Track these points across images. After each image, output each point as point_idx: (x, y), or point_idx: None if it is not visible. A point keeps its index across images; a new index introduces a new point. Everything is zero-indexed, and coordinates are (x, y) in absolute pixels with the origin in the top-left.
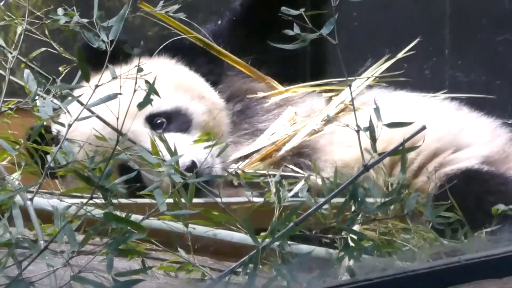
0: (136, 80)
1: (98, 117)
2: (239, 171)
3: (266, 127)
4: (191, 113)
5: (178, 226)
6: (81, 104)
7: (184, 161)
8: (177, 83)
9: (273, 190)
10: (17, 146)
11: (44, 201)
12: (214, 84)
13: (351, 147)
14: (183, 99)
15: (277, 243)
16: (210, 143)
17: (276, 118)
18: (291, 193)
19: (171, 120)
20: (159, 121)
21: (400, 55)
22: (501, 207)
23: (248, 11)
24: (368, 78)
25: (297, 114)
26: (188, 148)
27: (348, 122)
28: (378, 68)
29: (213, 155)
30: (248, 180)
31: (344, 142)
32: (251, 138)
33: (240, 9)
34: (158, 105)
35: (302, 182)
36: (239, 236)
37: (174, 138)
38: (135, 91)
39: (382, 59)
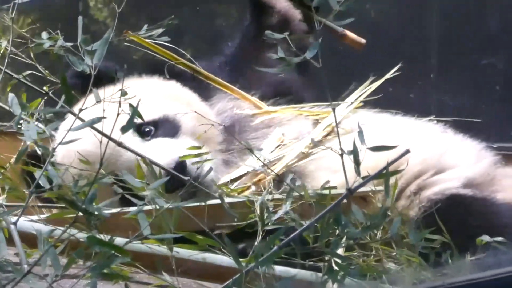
0: (120, 103)
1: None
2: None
3: (254, 145)
4: (179, 120)
5: (162, 250)
6: (81, 118)
7: (172, 158)
8: (164, 93)
9: (258, 211)
10: (2, 170)
11: (28, 225)
12: (203, 99)
13: (338, 173)
14: (170, 106)
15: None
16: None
17: (264, 137)
18: (276, 216)
19: (158, 127)
20: (147, 129)
21: (384, 78)
22: (486, 238)
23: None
24: (352, 102)
25: (285, 135)
26: (175, 149)
27: (335, 146)
28: (363, 91)
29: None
30: (233, 196)
31: (331, 168)
32: (240, 156)
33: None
34: (146, 114)
35: (288, 204)
36: (225, 260)
37: (161, 141)
38: (118, 114)
39: (367, 82)
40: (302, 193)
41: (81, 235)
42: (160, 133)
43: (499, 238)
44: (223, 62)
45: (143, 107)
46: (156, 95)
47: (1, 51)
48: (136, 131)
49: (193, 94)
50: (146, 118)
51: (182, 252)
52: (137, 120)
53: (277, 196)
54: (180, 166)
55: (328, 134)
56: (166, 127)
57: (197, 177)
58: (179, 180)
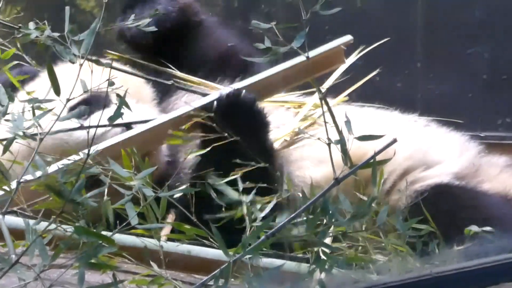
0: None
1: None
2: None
3: None
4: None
5: (150, 240)
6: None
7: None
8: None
9: (245, 210)
10: None
11: (15, 218)
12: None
13: (323, 163)
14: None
15: (248, 256)
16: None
17: None
18: (263, 214)
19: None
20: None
21: (361, 81)
22: (474, 228)
23: None
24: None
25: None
26: None
27: (318, 136)
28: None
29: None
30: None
31: (316, 157)
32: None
33: None
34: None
35: (274, 201)
36: (212, 252)
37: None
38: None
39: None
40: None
41: (67, 226)
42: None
43: (487, 228)
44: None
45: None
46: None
47: None
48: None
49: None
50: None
51: (169, 244)
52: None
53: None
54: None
55: (311, 124)
56: (99, 103)
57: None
58: None
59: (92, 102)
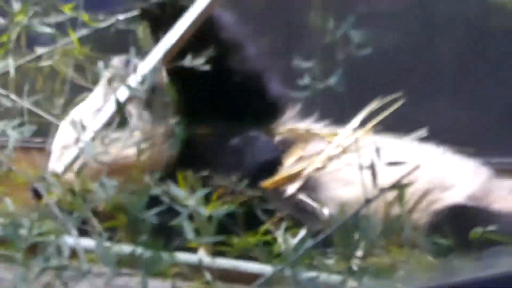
0: None
1: None
2: None
3: None
4: None
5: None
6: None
7: None
8: None
9: (280, 240)
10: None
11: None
12: None
13: (351, 185)
14: None
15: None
16: None
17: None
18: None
19: None
20: None
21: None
22: (478, 230)
23: None
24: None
25: (304, 151)
26: None
27: (347, 161)
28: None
29: None
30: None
31: (345, 180)
32: None
33: None
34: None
35: (304, 231)
36: (256, 267)
37: None
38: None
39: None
40: None
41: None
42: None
43: (491, 228)
44: None
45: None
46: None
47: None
48: None
49: None
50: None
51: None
52: None
53: None
54: None
55: (342, 152)
56: None
57: None
58: None
59: None
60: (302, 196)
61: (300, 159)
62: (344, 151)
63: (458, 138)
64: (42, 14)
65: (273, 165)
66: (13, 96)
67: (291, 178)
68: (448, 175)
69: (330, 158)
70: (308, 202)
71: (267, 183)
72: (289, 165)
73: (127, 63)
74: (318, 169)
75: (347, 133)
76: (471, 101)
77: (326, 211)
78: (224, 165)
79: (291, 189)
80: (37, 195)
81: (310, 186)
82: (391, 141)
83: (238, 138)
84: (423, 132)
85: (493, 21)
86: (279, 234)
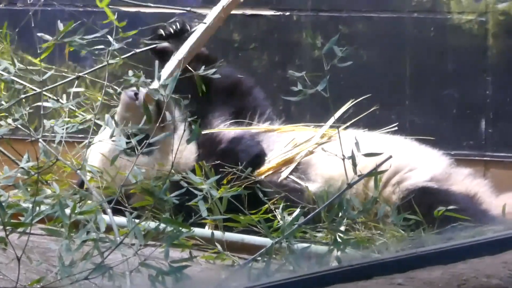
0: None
1: None
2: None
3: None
4: None
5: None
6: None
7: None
8: None
9: (279, 217)
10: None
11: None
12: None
13: (336, 165)
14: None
15: (285, 240)
16: None
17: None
18: (291, 218)
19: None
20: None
21: (347, 105)
22: (441, 209)
23: None
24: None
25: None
26: None
27: (332, 148)
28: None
29: None
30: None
31: (331, 160)
32: None
33: None
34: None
35: (298, 210)
36: (259, 239)
37: None
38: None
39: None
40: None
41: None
42: None
43: (451, 207)
44: None
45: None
46: None
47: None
48: None
49: None
50: None
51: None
52: None
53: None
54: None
55: (328, 139)
56: None
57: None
58: None
59: None
60: (293, 176)
61: (294, 146)
62: (329, 138)
63: (421, 134)
64: (84, 32)
65: (260, 157)
66: (61, 100)
67: (286, 163)
68: (414, 158)
69: (319, 144)
70: (298, 182)
71: (263, 169)
72: (283, 153)
73: (135, 95)
74: (309, 153)
75: (329, 126)
76: (432, 104)
77: (313, 187)
78: (225, 160)
79: (285, 172)
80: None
81: (302, 168)
82: (369, 135)
83: (229, 141)
84: (393, 127)
85: (451, 39)
86: (278, 212)
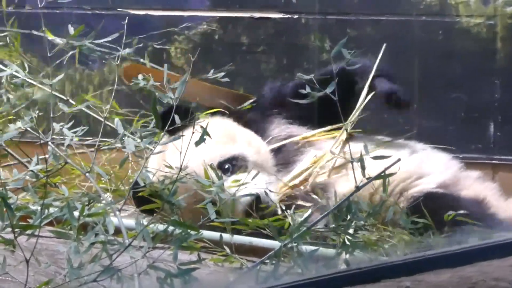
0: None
1: None
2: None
3: (296, 164)
4: (246, 157)
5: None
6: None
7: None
8: (231, 136)
9: (290, 219)
10: (108, 176)
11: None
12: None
13: (349, 181)
14: (237, 147)
15: (294, 243)
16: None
17: (303, 157)
18: (302, 219)
19: (234, 165)
20: (226, 166)
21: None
22: (450, 213)
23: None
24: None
25: (317, 156)
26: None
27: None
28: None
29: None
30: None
31: (345, 177)
32: (285, 173)
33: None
34: (223, 154)
35: (310, 211)
36: (267, 242)
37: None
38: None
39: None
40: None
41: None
42: (235, 169)
43: (461, 212)
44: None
45: (218, 147)
46: (224, 138)
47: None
48: (219, 168)
49: (250, 132)
50: (223, 157)
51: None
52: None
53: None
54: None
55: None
56: (239, 164)
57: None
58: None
59: (234, 164)
60: (309, 195)
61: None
62: (343, 151)
63: (433, 138)
64: (94, 37)
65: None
66: (71, 101)
67: (299, 185)
68: (423, 165)
69: (335, 168)
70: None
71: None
72: (299, 171)
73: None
74: (323, 174)
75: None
76: (440, 107)
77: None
78: None
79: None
80: None
81: (319, 185)
82: (380, 139)
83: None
84: (408, 132)
85: (460, 42)
86: (289, 214)
